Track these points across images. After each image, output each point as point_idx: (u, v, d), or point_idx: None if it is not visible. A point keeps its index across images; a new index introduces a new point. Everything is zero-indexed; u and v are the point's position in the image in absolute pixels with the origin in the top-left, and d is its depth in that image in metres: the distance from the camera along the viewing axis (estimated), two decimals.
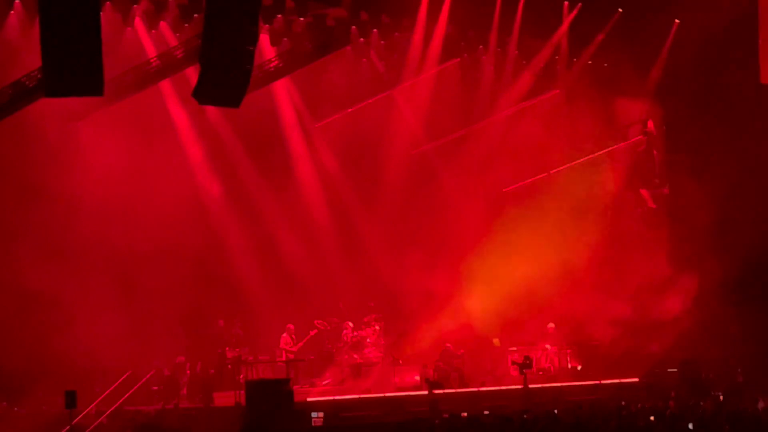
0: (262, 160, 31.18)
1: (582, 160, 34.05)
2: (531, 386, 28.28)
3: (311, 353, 29.68)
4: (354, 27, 30.70)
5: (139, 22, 28.61)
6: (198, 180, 30.30)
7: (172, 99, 29.68)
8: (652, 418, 19.35)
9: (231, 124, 30.44)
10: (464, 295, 31.03)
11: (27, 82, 23.89)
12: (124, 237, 27.78)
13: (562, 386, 29.40)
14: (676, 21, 33.41)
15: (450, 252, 31.71)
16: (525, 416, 21.09)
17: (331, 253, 31.70)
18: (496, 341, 31.12)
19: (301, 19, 29.76)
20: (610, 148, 34.54)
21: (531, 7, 32.09)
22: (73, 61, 21.43)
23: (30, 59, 23.46)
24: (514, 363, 28.33)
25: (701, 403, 24.73)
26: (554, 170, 33.80)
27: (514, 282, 31.00)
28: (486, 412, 22.80)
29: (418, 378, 27.96)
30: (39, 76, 23.54)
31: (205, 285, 29.28)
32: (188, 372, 28.24)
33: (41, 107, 24.99)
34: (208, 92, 23.93)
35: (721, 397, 26.73)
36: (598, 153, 34.39)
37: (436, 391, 26.67)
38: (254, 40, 23.75)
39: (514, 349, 30.22)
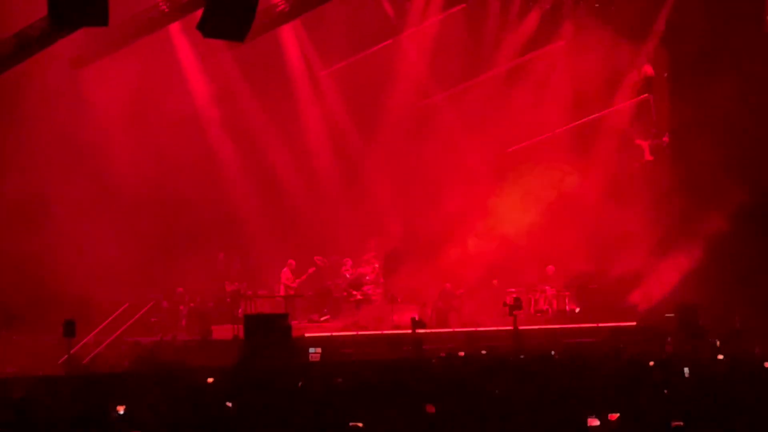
0: (268, 103, 30.87)
1: (587, 119, 33.87)
2: (529, 328, 28.46)
3: (310, 289, 29.64)
4: None
5: None
6: (203, 121, 30.08)
7: (181, 42, 29.45)
8: (651, 363, 19.30)
9: (239, 68, 30.21)
10: (466, 237, 31.02)
11: (31, 32, 23.71)
12: (128, 175, 27.64)
13: (559, 328, 29.42)
14: None
15: (452, 196, 31.44)
16: (521, 356, 21.05)
17: (333, 192, 31.53)
18: (495, 282, 31.07)
19: None
20: (615, 107, 34.37)
21: None
22: None
23: (34, 8, 23.23)
24: (505, 305, 28.35)
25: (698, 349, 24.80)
26: (559, 130, 33.56)
27: (516, 226, 31.08)
28: (483, 352, 22.80)
29: (416, 317, 27.87)
30: (42, 25, 23.20)
31: (207, 220, 29.14)
32: (187, 304, 28.25)
33: (46, 55, 24.56)
34: (213, 25, 23.64)
35: (718, 343, 26.71)
36: (604, 112, 34.23)
37: (425, 330, 26.52)
38: None
39: (513, 290, 30.11)
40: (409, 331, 26.20)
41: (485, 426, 11.41)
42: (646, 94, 34.48)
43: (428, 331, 27.72)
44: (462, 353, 22.16)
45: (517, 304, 27.71)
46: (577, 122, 33.87)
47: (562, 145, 33.38)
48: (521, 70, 33.33)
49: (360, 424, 11.22)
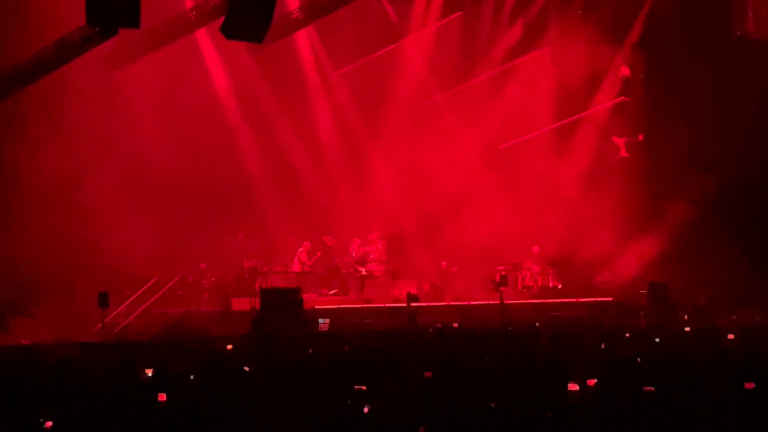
0: (284, 99, 30.73)
1: (570, 118, 33.79)
2: (517, 302, 28.46)
3: (320, 267, 29.66)
4: None
5: None
6: (225, 115, 30.03)
7: (206, 44, 29.40)
8: (627, 335, 19.32)
9: (259, 69, 30.17)
10: (463, 220, 31.08)
11: (70, 39, 23.81)
12: (157, 161, 27.57)
13: (543, 303, 29.42)
14: None
15: (448, 184, 31.45)
16: (509, 328, 21.04)
17: (341, 179, 31.40)
18: (486, 261, 31.05)
19: None
20: (597, 107, 34.35)
21: None
22: None
23: (72, 18, 23.28)
24: (492, 281, 28.39)
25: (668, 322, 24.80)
26: (545, 129, 33.47)
27: (505, 211, 31.15)
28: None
29: (413, 291, 27.90)
30: (80, 33, 23.39)
31: (229, 205, 29.13)
32: (210, 279, 28.28)
33: (84, 59, 24.66)
34: (234, 28, 23.74)
35: (686, 317, 26.76)
36: (585, 112, 34.19)
37: (424, 304, 26.85)
38: None
39: (501, 268, 30.13)
40: (409, 304, 26.34)
41: (476, 390, 11.39)
42: (623, 96, 34.46)
43: (425, 304, 27.84)
44: (456, 324, 22.19)
45: (503, 281, 27.84)
46: (562, 121, 33.85)
47: (549, 141, 33.32)
48: (512, 72, 33.20)
49: (363, 388, 11.20)
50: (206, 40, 29.08)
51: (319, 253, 29.55)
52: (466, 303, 28.55)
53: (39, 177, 24.35)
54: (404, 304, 26.36)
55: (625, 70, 34.22)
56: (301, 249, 29.13)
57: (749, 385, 12.53)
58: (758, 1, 32.55)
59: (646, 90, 34.08)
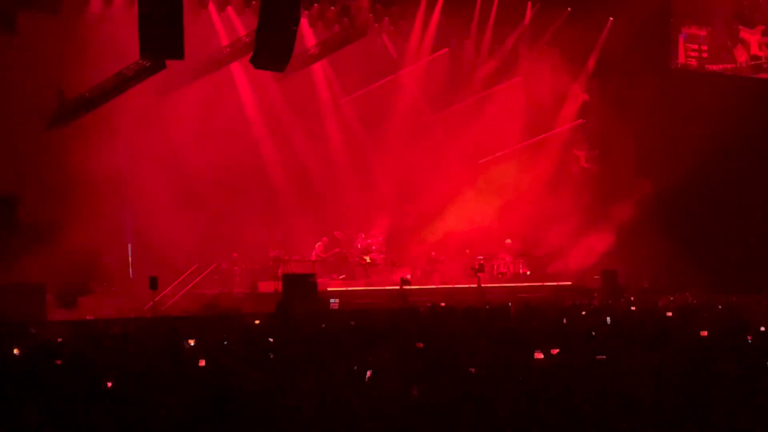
0: (302, 119, 30.69)
1: (538, 138, 33.93)
2: (492, 285, 28.73)
3: (331, 256, 29.65)
4: (371, 15, 30.29)
5: (212, 7, 28.34)
6: (254, 130, 29.93)
7: (238, 73, 29.33)
8: (583, 312, 19.32)
9: (282, 95, 30.07)
10: (449, 218, 31.15)
11: (127, 72, 23.97)
12: (197, 168, 27.52)
13: (515, 286, 29.43)
14: (611, 18, 33.20)
15: (437, 189, 31.45)
16: (487, 306, 21.04)
17: (349, 183, 31.32)
18: (467, 251, 31.07)
19: (332, 7, 29.66)
20: (560, 128, 34.35)
21: (503, 4, 31.87)
22: (162, 30, 21.31)
23: (129, 54, 23.66)
24: (471, 268, 28.41)
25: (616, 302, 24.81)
26: (517, 145, 33.53)
27: (483, 211, 31.21)
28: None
29: (409, 276, 27.85)
30: (136, 67, 23.77)
31: (256, 204, 29.05)
32: (240, 266, 28.26)
33: (138, 88, 25.00)
34: (261, 60, 23.97)
35: (632, 298, 26.79)
36: (551, 132, 34.26)
37: (411, 287, 26.78)
38: (297, 22, 23.87)
39: (481, 257, 30.14)
40: (408, 287, 26.37)
41: (460, 358, 11.39)
42: (581, 119, 34.55)
43: (418, 287, 27.84)
44: (443, 304, 22.18)
45: (480, 268, 27.96)
46: (531, 139, 33.86)
47: (520, 155, 33.34)
48: (489, 98, 33.17)
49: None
50: (239, 70, 28.98)
51: (336, 250, 29.52)
52: (451, 286, 28.60)
53: (103, 177, 24.28)
54: (398, 287, 26.36)
55: (584, 96, 34.29)
56: (319, 243, 29.10)
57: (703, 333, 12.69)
58: (687, 37, 32.84)
59: (600, 112, 34.17)
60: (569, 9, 32.40)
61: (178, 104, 27.06)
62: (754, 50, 34.29)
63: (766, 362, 10.56)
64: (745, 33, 34.00)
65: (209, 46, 27.98)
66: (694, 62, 33.66)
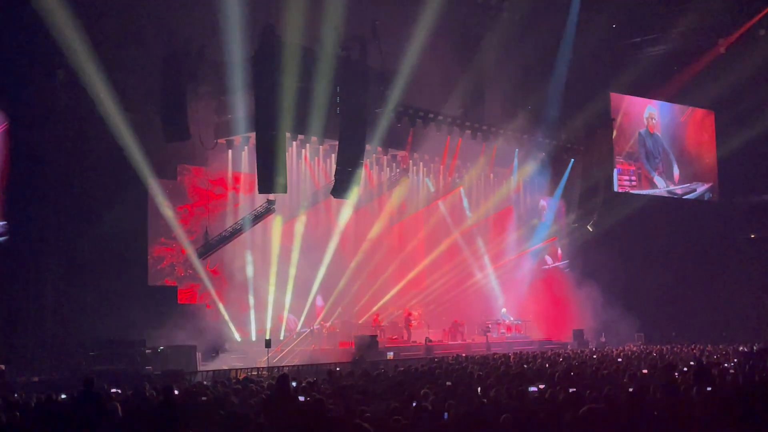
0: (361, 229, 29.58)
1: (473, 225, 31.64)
2: (498, 341, 28.06)
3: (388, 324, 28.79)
4: (410, 161, 29.58)
5: (305, 156, 27.38)
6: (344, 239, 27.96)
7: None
8: (561, 359, 18.96)
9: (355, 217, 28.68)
10: (462, 301, 30.43)
11: (260, 209, 24.49)
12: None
13: (513, 341, 28.85)
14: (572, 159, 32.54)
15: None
16: (494, 356, 20.66)
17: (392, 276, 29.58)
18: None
19: (384, 156, 28.72)
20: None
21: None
22: (272, 170, 21.64)
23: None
24: (482, 329, 28.35)
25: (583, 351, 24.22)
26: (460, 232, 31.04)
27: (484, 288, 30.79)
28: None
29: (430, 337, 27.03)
30: (266, 205, 24.14)
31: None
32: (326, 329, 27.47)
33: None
34: (337, 192, 24.07)
35: (594, 348, 26.29)
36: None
37: (431, 344, 26.00)
38: (360, 165, 23.99)
39: (488, 322, 29.57)
40: (427, 344, 25.98)
41: (474, 391, 11.22)
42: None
43: (443, 343, 27.25)
44: (464, 354, 21.76)
45: (488, 329, 28.15)
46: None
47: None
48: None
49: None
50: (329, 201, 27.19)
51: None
52: (467, 342, 28.11)
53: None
54: (425, 344, 26.08)
55: None
56: (375, 314, 27.93)
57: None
58: (621, 171, 32.64)
59: None
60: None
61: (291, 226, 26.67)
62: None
63: (688, 390, 10.42)
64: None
65: (308, 187, 27.30)
66: (626, 189, 33.50)
